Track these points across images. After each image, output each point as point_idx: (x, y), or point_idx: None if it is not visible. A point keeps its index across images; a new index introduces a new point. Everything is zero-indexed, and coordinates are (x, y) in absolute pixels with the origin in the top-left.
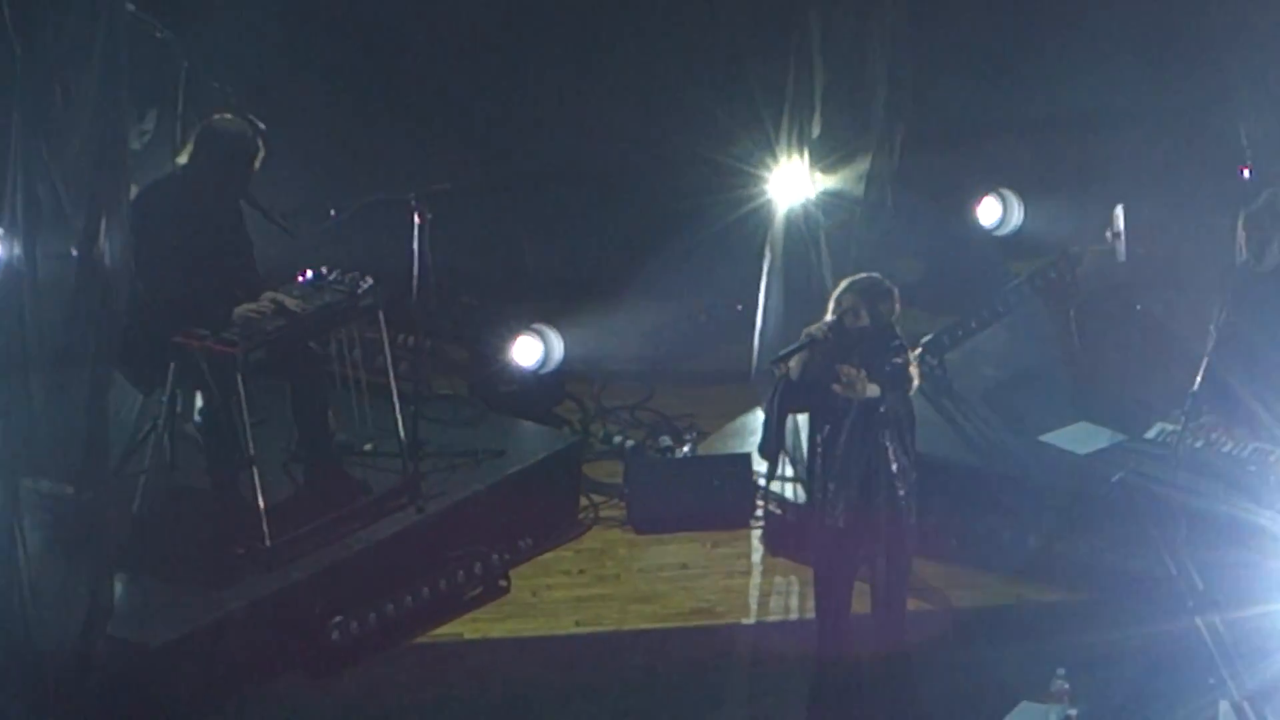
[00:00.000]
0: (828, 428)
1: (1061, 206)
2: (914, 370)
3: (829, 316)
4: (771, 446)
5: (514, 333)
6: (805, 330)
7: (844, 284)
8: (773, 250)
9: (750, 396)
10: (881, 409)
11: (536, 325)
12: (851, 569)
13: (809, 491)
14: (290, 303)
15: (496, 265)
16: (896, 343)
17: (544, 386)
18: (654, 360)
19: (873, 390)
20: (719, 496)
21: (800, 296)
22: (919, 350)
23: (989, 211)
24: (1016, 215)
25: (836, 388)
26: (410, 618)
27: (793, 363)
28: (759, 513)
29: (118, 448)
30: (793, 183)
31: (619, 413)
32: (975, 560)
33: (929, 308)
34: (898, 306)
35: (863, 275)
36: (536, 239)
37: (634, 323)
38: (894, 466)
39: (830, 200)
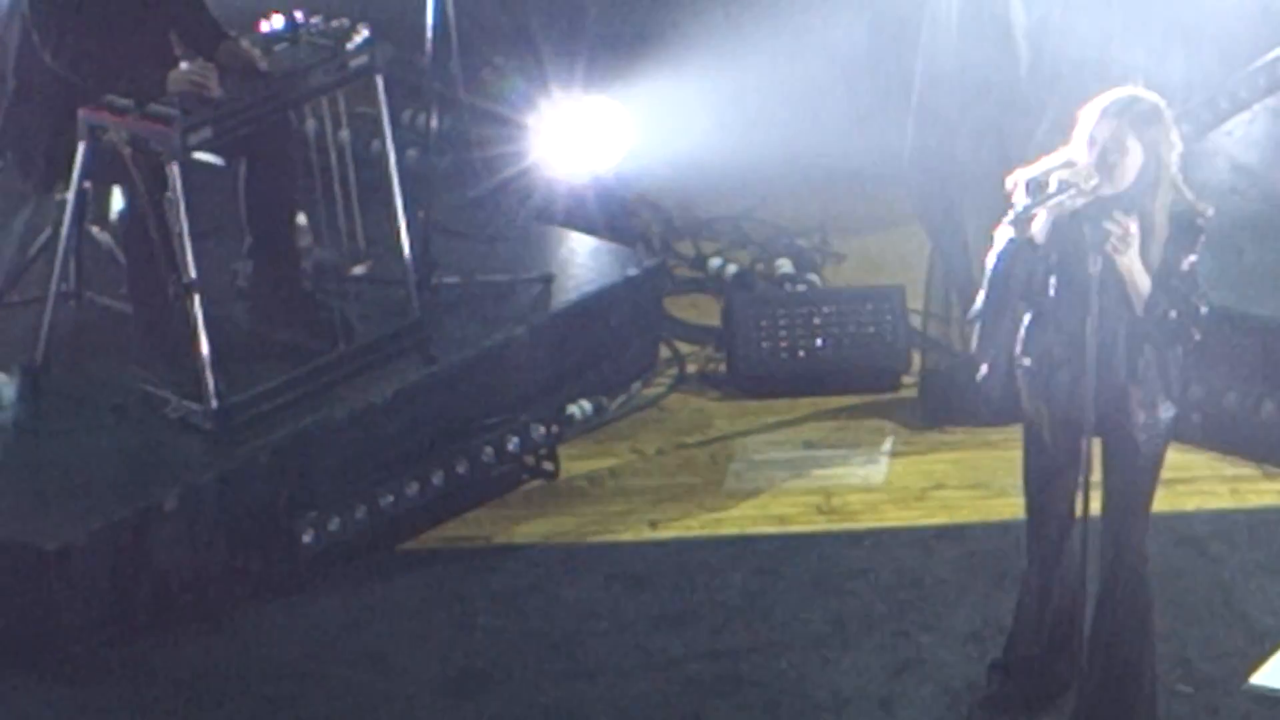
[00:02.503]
0: (1057, 321)
1: None
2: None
3: (1077, 154)
4: (989, 335)
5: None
6: (1049, 171)
7: (1098, 107)
8: None
9: (901, 204)
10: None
11: (595, 96)
12: (1073, 433)
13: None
14: (254, 57)
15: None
16: (1193, 240)
17: (608, 184)
18: (764, 150)
19: (1140, 281)
20: (859, 346)
21: (985, 45)
22: None
23: None
24: None
25: (1109, 247)
26: (415, 513)
27: (1036, 221)
28: (915, 369)
29: None
30: None
31: (716, 225)
32: (1222, 443)
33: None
34: (1174, 136)
35: (1120, 93)
36: None
37: (735, 92)
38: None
39: None
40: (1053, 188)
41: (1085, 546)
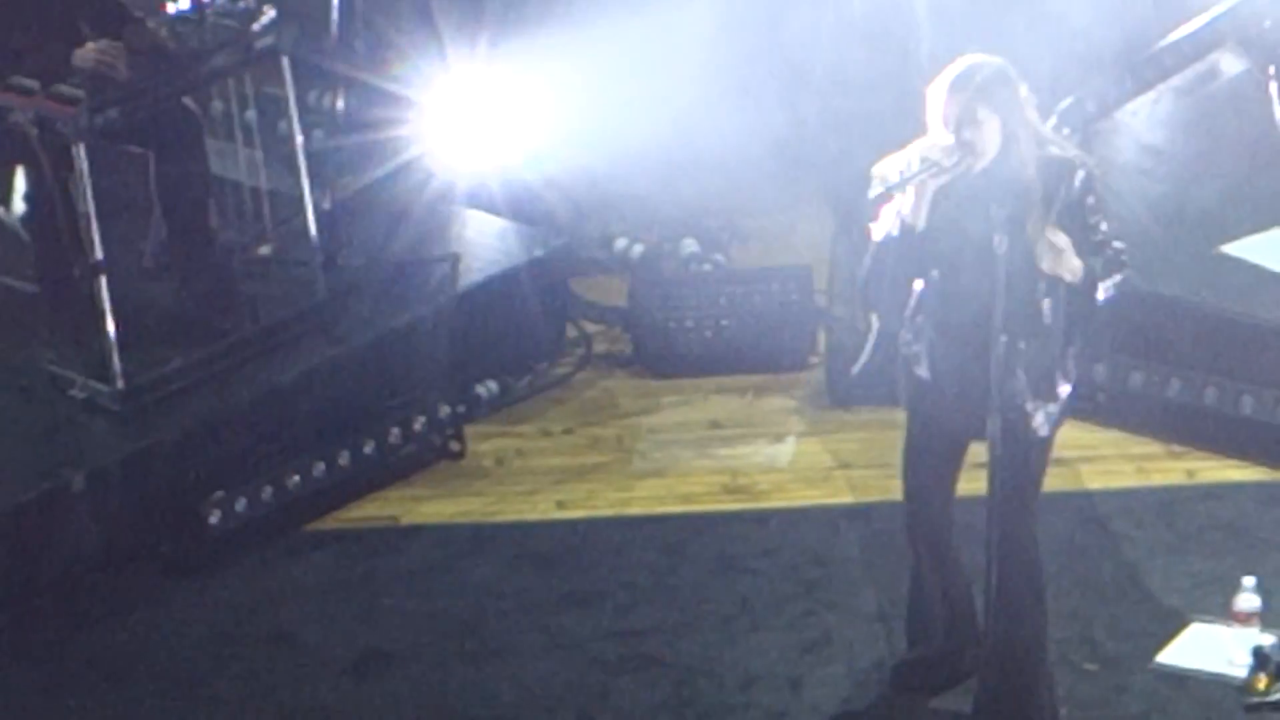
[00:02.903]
0: (947, 302)
1: None
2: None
3: (938, 131)
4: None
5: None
6: (916, 153)
7: (943, 84)
8: None
9: (805, 185)
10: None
11: (499, 76)
12: (958, 431)
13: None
14: (161, 38)
15: None
16: (1084, 190)
17: (513, 164)
18: (669, 130)
19: (1071, 267)
20: (765, 326)
21: (888, 38)
22: (1051, 120)
23: None
24: None
25: (1045, 265)
26: (321, 494)
27: (905, 202)
28: (821, 348)
29: None
30: None
31: (622, 205)
32: (1128, 421)
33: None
34: (1024, 91)
35: (962, 63)
36: None
37: (638, 72)
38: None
39: None
40: (916, 167)
41: (991, 530)
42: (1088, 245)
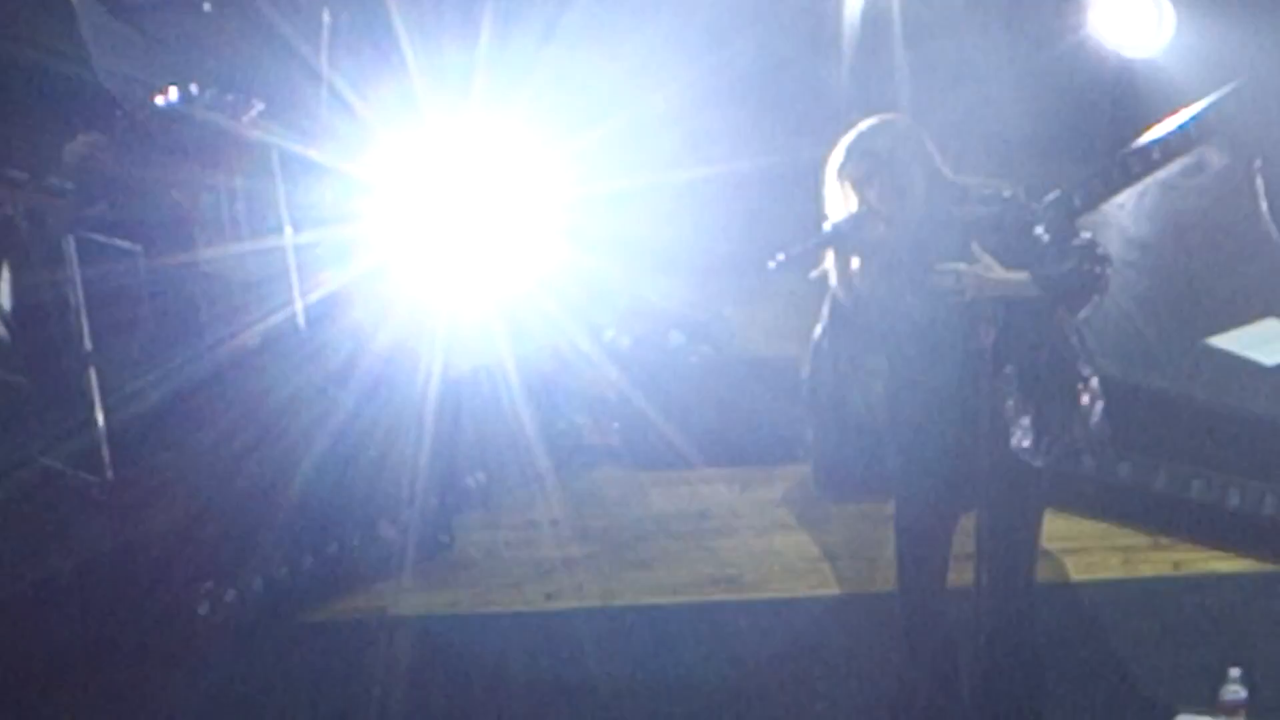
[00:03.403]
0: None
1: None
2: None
3: (842, 197)
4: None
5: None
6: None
7: (839, 145)
8: None
9: (789, 278)
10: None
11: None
12: (947, 522)
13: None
14: (150, 131)
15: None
16: (1021, 220)
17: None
18: (657, 220)
19: (1013, 278)
20: (753, 418)
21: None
22: None
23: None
24: (1164, 25)
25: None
26: (311, 585)
27: (829, 274)
28: (809, 440)
29: None
30: None
31: (610, 296)
32: (1114, 513)
33: (1043, 154)
34: (931, 146)
35: (860, 127)
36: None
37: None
38: (1017, 421)
39: None
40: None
41: (980, 618)
42: (1039, 258)
